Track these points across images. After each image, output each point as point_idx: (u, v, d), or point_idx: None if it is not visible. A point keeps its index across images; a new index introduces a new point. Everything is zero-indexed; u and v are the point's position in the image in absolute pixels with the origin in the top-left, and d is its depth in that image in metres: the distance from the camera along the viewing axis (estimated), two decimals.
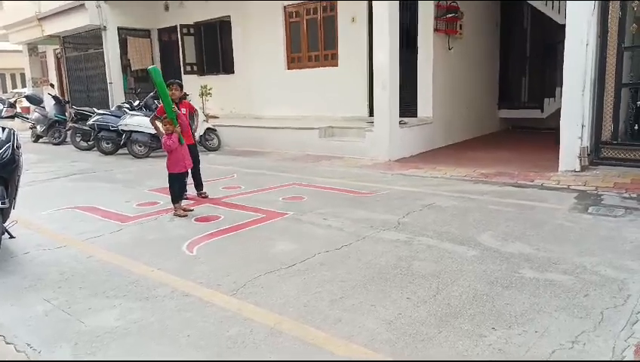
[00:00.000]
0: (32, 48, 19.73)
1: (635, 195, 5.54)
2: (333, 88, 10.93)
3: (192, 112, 6.42)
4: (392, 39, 8.33)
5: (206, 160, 9.68)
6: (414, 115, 9.92)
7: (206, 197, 6.22)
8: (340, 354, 2.54)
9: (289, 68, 12.09)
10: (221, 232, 4.72)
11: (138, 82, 15.46)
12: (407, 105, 9.70)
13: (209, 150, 10.90)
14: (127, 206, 5.91)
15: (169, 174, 5.47)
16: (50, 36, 16.46)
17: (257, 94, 12.76)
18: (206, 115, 11.38)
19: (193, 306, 3.15)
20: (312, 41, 11.60)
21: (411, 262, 3.78)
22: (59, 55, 19.37)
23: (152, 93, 11.16)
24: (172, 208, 5.47)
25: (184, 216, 5.29)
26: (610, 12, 6.62)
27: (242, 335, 2.75)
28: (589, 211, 5.05)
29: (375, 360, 2.45)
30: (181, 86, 6.07)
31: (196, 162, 6.13)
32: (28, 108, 17.39)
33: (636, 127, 6.78)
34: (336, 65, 11.03)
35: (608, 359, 2.41)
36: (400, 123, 8.89)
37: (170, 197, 5.52)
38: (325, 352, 2.57)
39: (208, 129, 11.02)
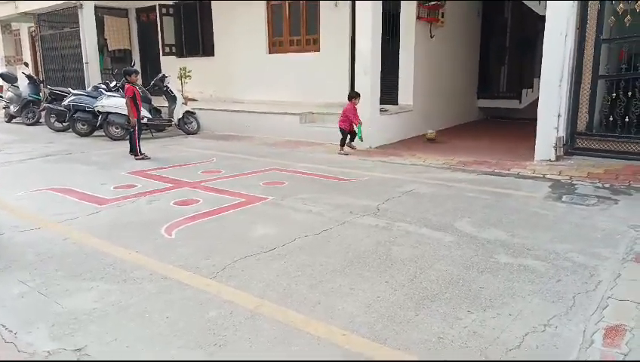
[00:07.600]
0: (5, 26, 19.10)
1: (607, 185, 5.70)
2: (315, 74, 10.88)
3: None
4: (374, 25, 8.30)
5: (185, 143, 9.63)
6: (395, 102, 9.96)
7: None
8: (319, 336, 2.57)
9: (270, 52, 12.00)
10: (200, 216, 4.70)
11: (115, 62, 15.14)
12: (388, 93, 9.72)
13: (188, 133, 10.77)
14: (103, 188, 5.83)
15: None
16: (25, 13, 15.94)
17: (238, 78, 12.64)
18: (185, 98, 11.22)
19: (172, 289, 3.14)
20: (294, 25, 11.50)
21: (390, 247, 3.83)
22: (33, 33, 18.80)
23: None
24: (149, 192, 5.61)
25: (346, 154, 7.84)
26: (589, 4, 6.72)
27: (222, 318, 2.76)
28: (562, 200, 5.17)
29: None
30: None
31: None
32: (1, 87, 16.90)
33: (611, 119, 6.92)
34: (318, 50, 10.99)
35: (576, 350, 2.49)
36: (380, 110, 8.91)
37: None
38: (305, 334, 2.59)
39: (187, 112, 10.86)
